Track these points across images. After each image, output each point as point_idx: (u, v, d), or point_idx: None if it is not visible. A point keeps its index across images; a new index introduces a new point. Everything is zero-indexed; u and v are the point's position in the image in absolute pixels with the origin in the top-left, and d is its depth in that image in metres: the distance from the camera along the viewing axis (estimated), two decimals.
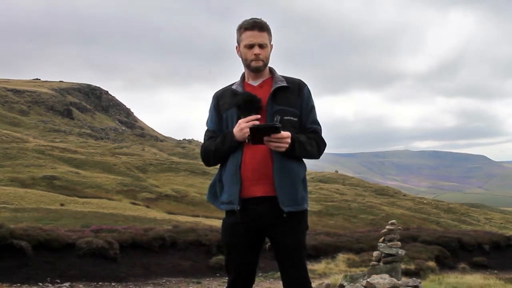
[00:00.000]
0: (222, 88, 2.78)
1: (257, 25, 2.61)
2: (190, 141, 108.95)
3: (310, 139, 2.64)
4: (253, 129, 2.41)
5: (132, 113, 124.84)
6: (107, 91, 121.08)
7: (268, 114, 2.59)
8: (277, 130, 2.42)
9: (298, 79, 2.74)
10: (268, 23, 2.67)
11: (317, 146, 2.66)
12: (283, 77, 2.71)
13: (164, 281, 11.60)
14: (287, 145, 2.47)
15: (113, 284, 10.83)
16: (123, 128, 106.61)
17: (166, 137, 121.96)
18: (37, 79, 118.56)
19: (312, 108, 2.72)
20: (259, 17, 2.65)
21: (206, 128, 2.79)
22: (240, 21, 2.68)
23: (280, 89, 2.63)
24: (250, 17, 2.65)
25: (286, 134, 2.46)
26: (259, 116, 2.54)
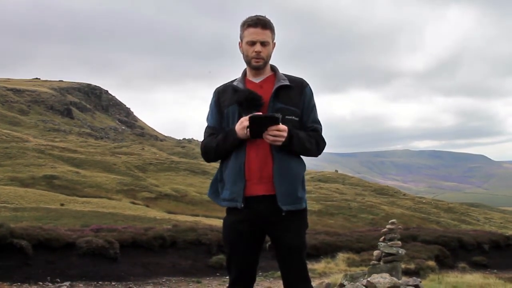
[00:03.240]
0: (223, 84, 2.78)
1: (260, 23, 2.61)
2: (190, 141, 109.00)
3: (310, 137, 2.66)
4: (252, 118, 2.45)
5: (132, 112, 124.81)
6: (107, 91, 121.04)
7: (270, 112, 2.59)
8: (277, 121, 2.47)
9: (300, 78, 2.75)
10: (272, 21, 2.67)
11: (316, 144, 2.68)
12: (285, 75, 2.72)
13: (164, 280, 11.61)
14: (283, 138, 2.50)
15: (113, 283, 10.83)
16: (123, 127, 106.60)
17: (166, 136, 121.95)
18: (37, 78, 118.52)
19: (313, 108, 2.74)
20: (263, 15, 2.65)
21: (206, 124, 2.79)
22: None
23: (282, 87, 2.65)
24: (255, 14, 2.66)
25: (283, 127, 2.49)
26: (260, 113, 2.55)
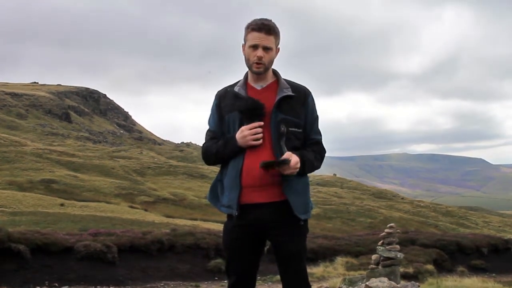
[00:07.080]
0: (224, 88, 2.75)
1: (265, 28, 2.56)
2: (188, 145, 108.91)
3: (316, 153, 2.67)
4: (264, 166, 2.47)
5: (130, 116, 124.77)
6: (105, 94, 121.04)
7: (273, 123, 2.58)
8: (287, 164, 2.47)
9: (303, 87, 2.72)
10: (277, 26, 2.62)
11: (320, 159, 2.72)
12: (288, 82, 2.69)
13: (162, 284, 11.59)
14: (297, 170, 2.51)
15: (111, 287, 10.81)
16: (121, 131, 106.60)
17: (164, 140, 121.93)
18: (35, 82, 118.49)
19: (316, 119, 2.73)
20: (269, 18, 2.62)
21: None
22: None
23: (285, 97, 2.61)
24: (260, 17, 2.61)
25: (294, 161, 2.48)
26: (262, 123, 2.55)
